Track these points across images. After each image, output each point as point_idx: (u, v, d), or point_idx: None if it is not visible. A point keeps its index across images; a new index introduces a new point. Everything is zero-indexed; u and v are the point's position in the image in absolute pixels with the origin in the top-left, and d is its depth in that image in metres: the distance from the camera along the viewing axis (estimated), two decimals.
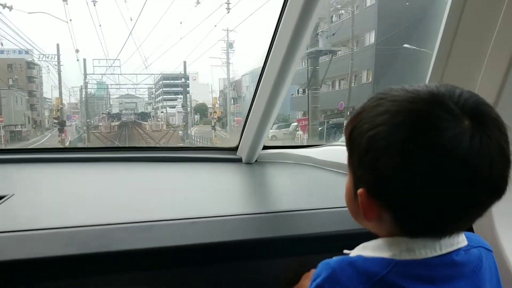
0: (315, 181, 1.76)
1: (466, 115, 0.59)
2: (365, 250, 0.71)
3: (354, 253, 0.73)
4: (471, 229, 1.16)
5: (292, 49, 1.48)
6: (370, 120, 0.64)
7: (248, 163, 1.95)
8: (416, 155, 0.58)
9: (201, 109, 41.19)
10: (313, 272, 1.06)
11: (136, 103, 51.40)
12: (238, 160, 1.97)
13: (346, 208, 1.27)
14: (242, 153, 1.96)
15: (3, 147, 16.74)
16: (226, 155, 2.03)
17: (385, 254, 0.66)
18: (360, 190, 0.66)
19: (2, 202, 1.23)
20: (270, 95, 1.64)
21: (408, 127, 0.60)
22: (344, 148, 1.93)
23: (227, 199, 1.46)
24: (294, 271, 1.11)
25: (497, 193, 0.61)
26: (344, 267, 0.66)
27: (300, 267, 1.11)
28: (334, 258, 0.69)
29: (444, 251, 0.65)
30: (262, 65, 1.66)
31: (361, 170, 0.66)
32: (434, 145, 0.58)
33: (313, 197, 1.51)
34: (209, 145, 19.68)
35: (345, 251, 0.77)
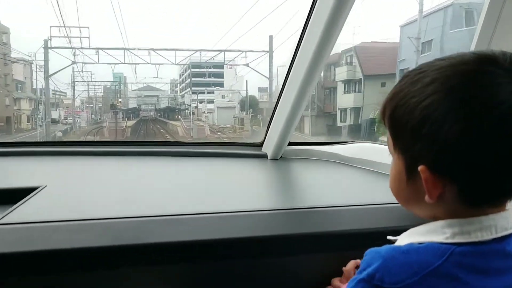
0: (342, 178, 1.74)
1: None
2: (414, 236, 0.68)
3: (401, 239, 0.71)
4: None
5: (325, 40, 1.45)
6: (418, 93, 0.62)
7: (274, 159, 1.94)
8: (479, 115, 0.57)
9: (251, 105, 28.45)
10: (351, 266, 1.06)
11: (158, 96, 39.37)
12: (263, 156, 1.96)
13: (375, 206, 1.28)
14: (267, 149, 1.95)
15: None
16: (251, 151, 2.02)
17: (437, 237, 0.64)
18: (421, 167, 0.63)
19: (35, 194, 1.25)
20: (299, 89, 1.61)
21: (464, 88, 0.59)
22: (371, 145, 1.90)
23: (256, 195, 1.45)
24: (321, 268, 1.10)
25: None
26: (396, 256, 0.64)
27: (326, 264, 1.10)
28: (384, 246, 0.67)
29: (499, 234, 0.63)
30: (291, 56, 1.64)
31: (419, 145, 0.63)
32: (495, 102, 0.56)
33: (341, 194, 1.50)
34: None
35: (389, 237, 0.75)
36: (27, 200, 1.19)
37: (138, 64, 23.77)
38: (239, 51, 21.01)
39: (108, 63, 22.35)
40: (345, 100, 19.26)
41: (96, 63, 21.23)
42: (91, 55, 21.45)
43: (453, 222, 0.64)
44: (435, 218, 0.68)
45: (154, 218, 1.07)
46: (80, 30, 20.20)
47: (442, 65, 0.62)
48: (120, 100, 33.47)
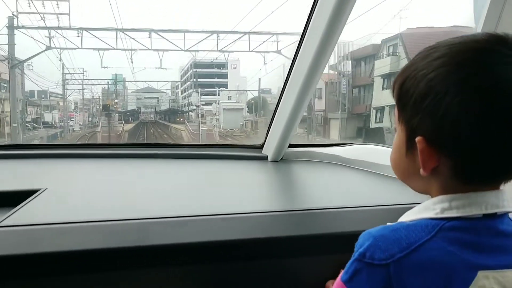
0: (342, 180, 1.74)
1: None
2: (408, 215, 0.70)
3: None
4: None
5: (326, 41, 1.45)
6: (427, 66, 0.63)
7: (274, 161, 1.94)
8: (482, 91, 0.58)
9: (259, 106, 24.24)
10: None
11: (158, 98, 35.89)
12: (264, 158, 1.96)
13: (376, 207, 1.28)
14: (268, 151, 1.95)
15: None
16: (251, 153, 2.02)
17: (427, 214, 0.66)
18: (418, 138, 0.64)
19: (36, 196, 1.25)
20: (300, 90, 1.61)
21: (472, 63, 0.60)
22: (373, 146, 1.90)
23: (257, 197, 1.46)
24: (322, 270, 1.10)
25: None
26: (385, 234, 0.65)
27: (328, 266, 1.10)
28: (376, 227, 0.69)
29: (490, 211, 0.63)
30: (292, 58, 1.64)
31: (419, 117, 0.64)
32: (499, 80, 0.58)
33: (341, 196, 1.50)
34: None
35: (389, 224, 0.76)
36: (28, 202, 1.18)
37: (136, 50, 17.80)
38: (268, 33, 16.79)
39: (95, 49, 17.04)
40: (384, 97, 16.10)
41: (79, 48, 16.23)
42: (73, 39, 16.30)
43: (443, 198, 0.65)
44: (428, 193, 0.70)
45: (157, 220, 1.07)
46: (57, 4, 15.46)
47: (454, 42, 0.63)
48: (116, 101, 28.31)
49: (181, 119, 29.79)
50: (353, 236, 1.11)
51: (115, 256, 0.95)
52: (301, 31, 1.58)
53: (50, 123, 24.16)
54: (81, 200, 1.29)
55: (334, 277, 1.10)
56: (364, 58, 18.24)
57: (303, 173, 1.86)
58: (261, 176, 1.80)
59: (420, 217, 0.67)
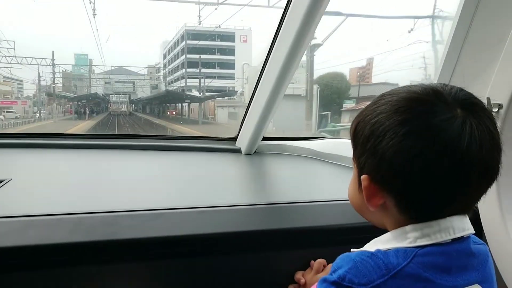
0: (316, 173, 1.75)
1: (458, 104, 0.66)
2: (378, 244, 0.73)
3: (365, 248, 0.75)
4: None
5: (300, 36, 1.46)
6: (372, 111, 0.71)
7: (248, 153, 1.93)
8: (411, 136, 0.64)
9: (335, 91, 14.26)
10: (318, 266, 1.08)
11: (134, 82, 25.55)
12: (237, 151, 1.96)
13: (348, 201, 1.29)
14: (241, 143, 1.95)
15: None
16: (225, 145, 2.01)
17: (401, 243, 0.69)
18: (363, 176, 0.71)
19: (1, 186, 1.20)
20: (275, 83, 1.61)
21: (405, 111, 0.66)
22: (344, 140, 1.93)
23: (231, 190, 1.45)
24: (294, 264, 1.11)
25: (488, 175, 0.67)
26: (365, 260, 0.68)
27: (298, 259, 1.11)
28: (354, 251, 0.72)
29: (458, 235, 0.69)
30: (267, 52, 1.64)
31: (364, 156, 0.71)
32: (428, 126, 0.63)
33: (314, 189, 1.51)
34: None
35: (353, 250, 0.78)
36: None
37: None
38: None
39: None
40: None
41: None
42: None
43: (414, 227, 0.69)
44: (384, 227, 0.76)
45: (127, 213, 1.04)
46: None
47: (396, 92, 0.71)
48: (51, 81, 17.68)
49: (174, 113, 19.20)
50: (325, 231, 1.13)
51: (81, 250, 0.92)
52: (277, 23, 1.57)
53: None
54: (47, 191, 1.25)
55: (303, 269, 1.11)
56: None
57: (276, 166, 1.87)
58: (234, 169, 1.80)
59: (394, 246, 0.70)
